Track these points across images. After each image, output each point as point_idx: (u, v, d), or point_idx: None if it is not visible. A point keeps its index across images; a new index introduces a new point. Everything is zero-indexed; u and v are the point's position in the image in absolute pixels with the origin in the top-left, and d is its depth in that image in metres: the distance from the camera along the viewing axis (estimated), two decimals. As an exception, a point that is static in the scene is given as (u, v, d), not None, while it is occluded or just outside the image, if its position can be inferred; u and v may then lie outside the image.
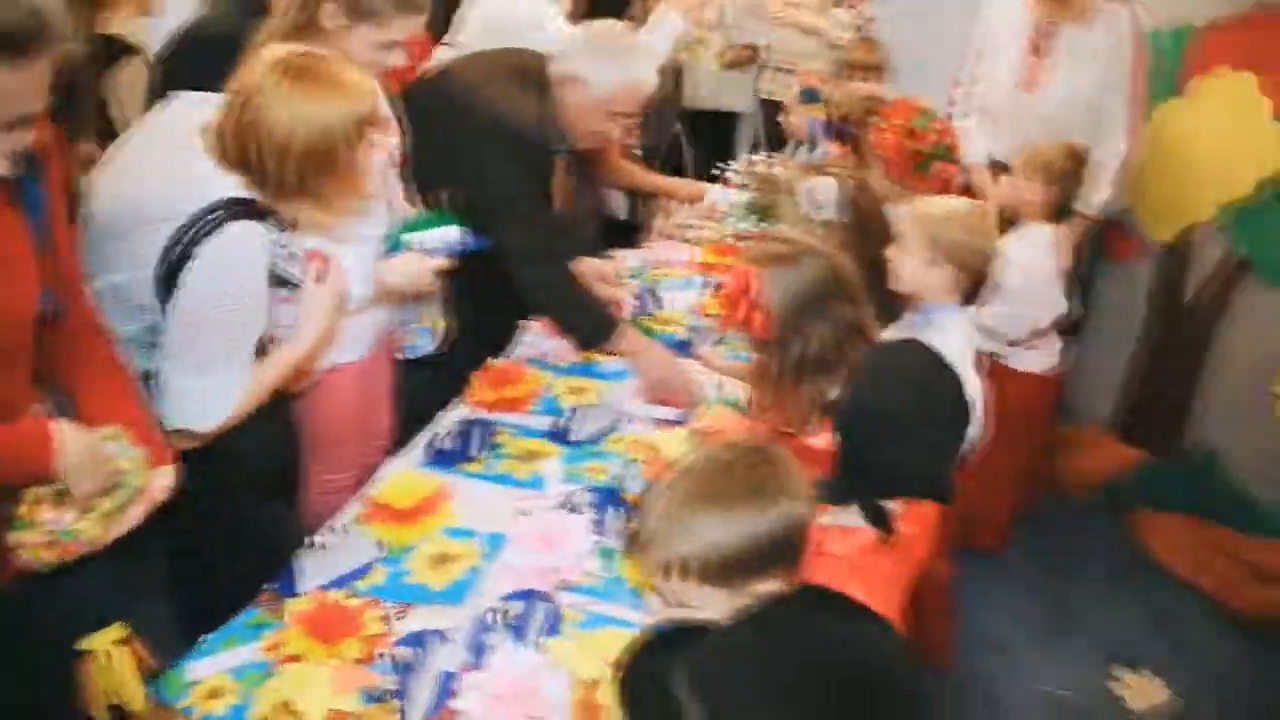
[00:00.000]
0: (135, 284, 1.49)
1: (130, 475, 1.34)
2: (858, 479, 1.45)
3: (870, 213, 2.15)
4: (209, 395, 1.53)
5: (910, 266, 1.93)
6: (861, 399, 1.45)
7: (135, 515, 1.37)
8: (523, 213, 2.28)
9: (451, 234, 2.02)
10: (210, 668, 1.47)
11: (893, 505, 1.50)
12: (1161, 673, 2.51)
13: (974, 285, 1.97)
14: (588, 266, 2.54)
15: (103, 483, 1.31)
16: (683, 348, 2.51)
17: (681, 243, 3.24)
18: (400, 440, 2.18)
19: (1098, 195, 2.62)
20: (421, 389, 2.35)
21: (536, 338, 2.56)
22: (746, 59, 4.08)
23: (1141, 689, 2.48)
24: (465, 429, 2.13)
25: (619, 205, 3.46)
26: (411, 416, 2.26)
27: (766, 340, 1.66)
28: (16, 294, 1.27)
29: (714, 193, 3.11)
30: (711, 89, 4.08)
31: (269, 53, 1.52)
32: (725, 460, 1.15)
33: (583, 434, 2.14)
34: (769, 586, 1.11)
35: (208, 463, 1.58)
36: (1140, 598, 2.81)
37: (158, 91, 2.12)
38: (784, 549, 1.13)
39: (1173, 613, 2.76)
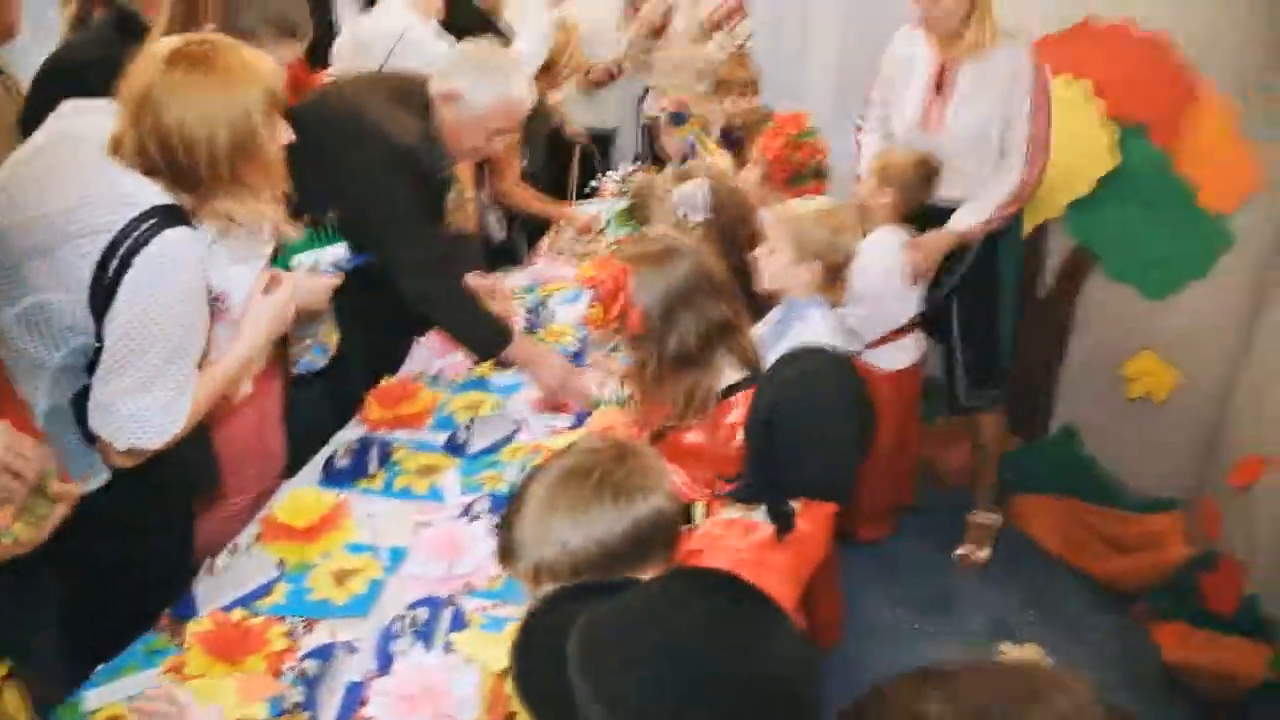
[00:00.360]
0: (62, 304, 1.42)
1: (50, 476, 1.31)
2: (768, 482, 1.49)
3: (740, 216, 2.26)
4: (157, 411, 1.47)
5: (777, 264, 2.05)
6: (777, 409, 1.47)
7: (59, 516, 1.33)
8: (413, 228, 2.30)
9: (339, 252, 2.03)
10: (108, 695, 1.44)
11: (793, 504, 1.56)
12: (1042, 646, 2.65)
13: (835, 281, 2.11)
14: (477, 283, 2.58)
15: (35, 483, 1.28)
16: (577, 358, 2.58)
17: (568, 259, 3.33)
18: (295, 462, 2.17)
19: (968, 219, 2.62)
20: (314, 409, 2.35)
21: (428, 356, 2.58)
22: (606, 79, 4.16)
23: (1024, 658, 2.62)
24: (361, 447, 2.14)
25: (494, 228, 3.52)
26: (304, 437, 2.26)
27: (641, 336, 1.73)
28: None
29: (591, 205, 3.21)
30: (584, 109, 4.13)
31: (158, 49, 1.46)
32: (583, 465, 1.17)
33: (480, 445, 2.18)
34: (639, 574, 1.13)
35: (136, 481, 1.54)
36: (1020, 577, 2.96)
37: (32, 114, 2.10)
38: (649, 545, 1.15)
39: (1051, 589, 2.92)
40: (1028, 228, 2.92)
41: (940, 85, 2.60)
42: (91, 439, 1.49)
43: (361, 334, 2.35)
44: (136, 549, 1.64)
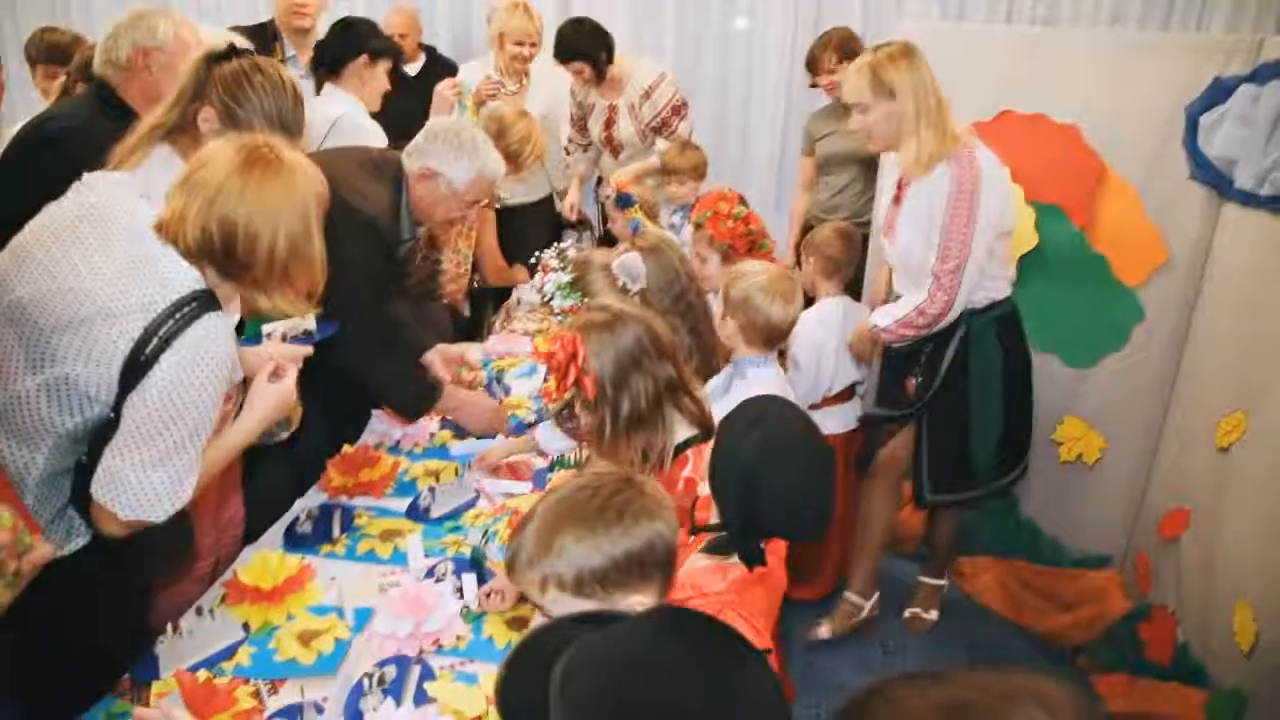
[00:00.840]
0: (88, 377, 1.44)
1: (23, 536, 1.31)
2: (743, 531, 1.52)
3: (687, 276, 2.39)
4: (168, 486, 1.49)
5: (728, 328, 2.22)
6: (754, 471, 1.47)
7: (26, 577, 1.33)
8: (361, 296, 2.36)
9: (308, 322, 2.09)
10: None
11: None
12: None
13: (765, 340, 2.27)
14: (445, 352, 2.67)
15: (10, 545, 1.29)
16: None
17: (521, 336, 3.42)
18: (255, 530, 2.17)
19: (878, 319, 2.66)
20: (274, 478, 2.36)
21: (388, 424, 2.62)
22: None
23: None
24: (323, 513, 2.16)
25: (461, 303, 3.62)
26: (264, 505, 2.27)
27: (595, 401, 1.81)
28: None
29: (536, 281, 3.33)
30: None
31: (225, 147, 1.55)
32: (590, 487, 1.26)
33: (442, 510, 2.21)
34: (638, 600, 1.21)
35: (114, 546, 1.54)
36: (963, 635, 3.04)
37: (6, 174, 2.15)
38: (649, 565, 1.22)
39: (995, 647, 2.99)
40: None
41: (899, 197, 2.64)
42: (84, 504, 1.50)
43: (322, 402, 2.39)
44: (99, 612, 1.62)
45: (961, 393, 2.69)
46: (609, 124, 4.06)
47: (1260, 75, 2.48)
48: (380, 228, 2.40)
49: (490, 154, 2.54)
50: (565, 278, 2.29)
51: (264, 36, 3.32)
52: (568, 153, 4.32)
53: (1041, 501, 3.20)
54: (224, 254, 1.51)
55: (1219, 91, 2.59)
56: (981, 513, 3.26)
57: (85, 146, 1.82)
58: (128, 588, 1.70)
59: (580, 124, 4.19)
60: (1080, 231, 2.90)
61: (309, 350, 2.01)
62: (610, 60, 3.84)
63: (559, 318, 2.27)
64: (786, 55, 4.98)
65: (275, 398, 1.74)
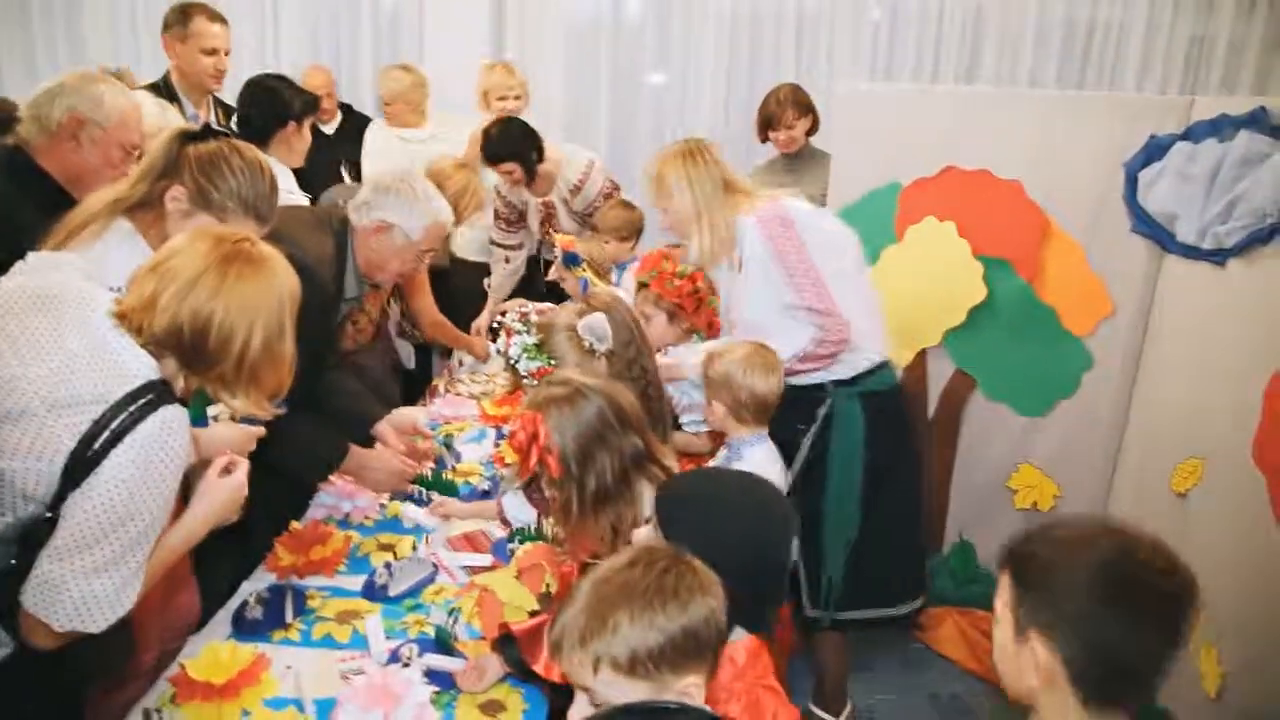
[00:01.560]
0: (26, 472, 1.32)
1: None
2: (754, 598, 1.47)
3: (639, 340, 2.33)
4: (111, 594, 1.37)
5: (716, 414, 2.21)
6: (742, 535, 1.45)
7: None
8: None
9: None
10: None
11: None
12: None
13: (755, 415, 2.21)
14: (397, 420, 2.56)
15: None
16: (486, 496, 2.55)
17: (467, 398, 3.32)
18: (201, 616, 2.02)
19: (783, 352, 2.35)
20: (213, 559, 2.20)
21: (336, 498, 2.48)
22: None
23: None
24: (273, 596, 2.01)
25: (407, 355, 3.50)
26: (205, 589, 2.11)
27: (560, 479, 1.74)
28: None
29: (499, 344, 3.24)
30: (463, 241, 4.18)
31: (202, 238, 1.48)
32: (641, 564, 1.19)
33: (401, 588, 2.09)
34: (691, 681, 1.15)
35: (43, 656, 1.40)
36: (926, 686, 3.04)
37: None
38: (703, 644, 1.17)
39: (958, 697, 2.99)
40: (909, 355, 3.12)
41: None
42: (9, 613, 1.36)
43: (265, 478, 2.25)
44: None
45: (818, 485, 2.46)
46: (548, 219, 4.00)
47: (1194, 134, 2.59)
48: (318, 278, 2.28)
49: (441, 202, 2.54)
50: (531, 340, 2.22)
51: (160, 93, 3.18)
52: (491, 251, 4.15)
53: (998, 549, 3.19)
54: (192, 348, 1.42)
55: (1155, 149, 2.69)
56: (936, 562, 3.25)
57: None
58: (59, 699, 1.54)
59: (511, 221, 4.03)
60: (1028, 284, 2.95)
61: (261, 432, 1.89)
62: (541, 159, 3.76)
63: (526, 381, 2.19)
64: (720, 113, 5.06)
65: (227, 493, 1.64)
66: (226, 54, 3.40)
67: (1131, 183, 2.75)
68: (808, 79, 4.83)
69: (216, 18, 3.39)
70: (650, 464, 1.81)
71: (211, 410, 1.92)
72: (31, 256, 1.55)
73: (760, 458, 2.23)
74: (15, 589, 1.33)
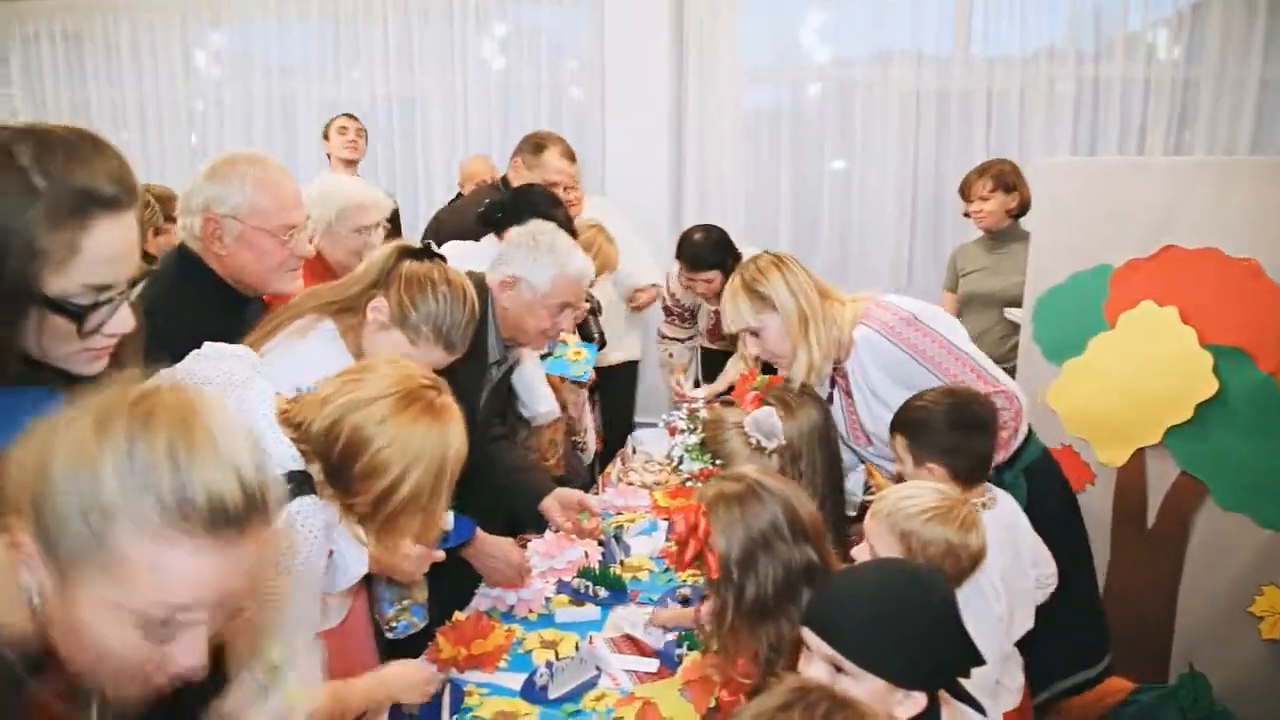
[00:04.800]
0: None
1: None
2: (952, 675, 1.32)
3: (823, 433, 2.18)
4: None
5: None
6: (930, 610, 1.31)
7: None
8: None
9: (445, 523, 2.02)
10: None
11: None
12: None
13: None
14: (567, 492, 2.52)
15: None
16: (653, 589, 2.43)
17: (639, 488, 3.23)
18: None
19: None
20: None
21: (502, 590, 2.43)
22: (649, 301, 4.17)
23: None
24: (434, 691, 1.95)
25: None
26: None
27: (718, 582, 1.59)
28: None
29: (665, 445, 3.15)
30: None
31: (396, 366, 1.49)
32: (792, 708, 1.04)
33: (561, 690, 1.98)
34: None
35: None
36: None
37: None
38: None
39: None
40: (1123, 455, 2.79)
41: (847, 390, 2.34)
42: None
43: (432, 576, 2.22)
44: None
45: None
46: (716, 324, 3.91)
47: None
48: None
49: (572, 254, 2.42)
50: (694, 439, 2.09)
51: None
52: (660, 341, 4.16)
53: (1239, 685, 2.75)
54: (339, 463, 1.41)
55: None
56: (1160, 695, 2.84)
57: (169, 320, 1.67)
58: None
59: (683, 318, 4.04)
60: (1269, 376, 2.58)
61: (439, 556, 1.95)
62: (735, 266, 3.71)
63: (689, 483, 2.07)
64: (906, 196, 4.88)
65: (411, 684, 1.74)
66: (569, 189, 3.52)
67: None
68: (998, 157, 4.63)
69: (568, 154, 3.54)
70: (822, 579, 1.62)
71: None
72: (207, 346, 1.58)
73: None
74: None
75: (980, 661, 1.31)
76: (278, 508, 0.93)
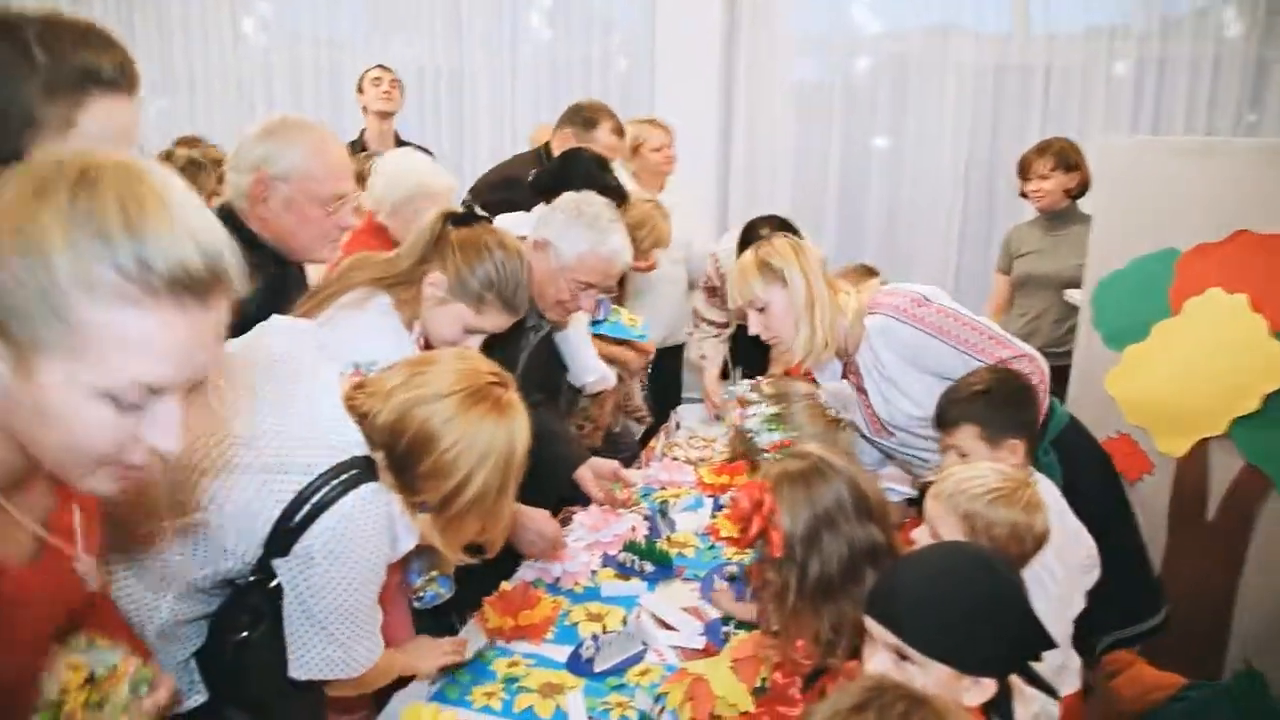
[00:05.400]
0: (228, 529, 1.35)
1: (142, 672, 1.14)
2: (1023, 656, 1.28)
3: None
4: (356, 656, 1.45)
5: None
6: (1000, 586, 1.28)
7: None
8: None
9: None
10: None
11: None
12: None
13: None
14: (600, 465, 2.49)
15: None
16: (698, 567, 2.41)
17: (684, 464, 3.20)
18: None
19: None
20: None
21: (547, 561, 2.42)
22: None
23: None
24: (477, 657, 1.95)
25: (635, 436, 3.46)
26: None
27: (781, 561, 1.56)
28: None
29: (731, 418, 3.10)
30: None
31: (461, 359, 1.49)
32: (867, 709, 1.00)
33: (606, 664, 1.97)
34: None
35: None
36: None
37: None
38: None
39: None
40: (1185, 445, 2.71)
41: (860, 387, 2.29)
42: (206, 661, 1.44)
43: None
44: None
45: None
46: None
47: None
48: None
49: (613, 234, 2.35)
50: (770, 410, 2.05)
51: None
52: (696, 325, 3.97)
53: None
54: (404, 456, 1.39)
55: None
56: (1214, 691, 2.78)
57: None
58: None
59: (725, 299, 3.93)
60: (1344, 368, 2.50)
61: None
62: None
63: (766, 456, 2.03)
64: (959, 173, 4.79)
65: (441, 658, 1.84)
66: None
67: None
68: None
69: (619, 130, 3.47)
70: (887, 559, 1.58)
71: None
72: (275, 319, 1.58)
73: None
74: (223, 645, 1.38)
75: (1051, 644, 1.27)
76: (238, 278, 0.90)
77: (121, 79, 1.19)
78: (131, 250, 0.80)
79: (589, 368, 2.88)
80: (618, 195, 2.87)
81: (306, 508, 1.31)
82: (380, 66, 4.54)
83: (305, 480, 1.31)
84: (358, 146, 4.23)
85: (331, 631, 1.39)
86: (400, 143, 4.24)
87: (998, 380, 2.03)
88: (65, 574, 1.07)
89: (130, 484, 0.92)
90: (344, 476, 1.33)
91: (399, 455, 1.40)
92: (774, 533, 1.55)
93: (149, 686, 1.08)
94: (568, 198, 2.45)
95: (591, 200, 2.45)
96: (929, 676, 1.19)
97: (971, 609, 1.24)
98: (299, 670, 1.41)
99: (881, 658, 1.25)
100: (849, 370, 2.29)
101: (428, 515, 1.44)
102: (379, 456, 1.41)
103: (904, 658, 1.23)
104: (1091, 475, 2.27)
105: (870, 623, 1.27)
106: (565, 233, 2.32)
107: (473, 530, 1.48)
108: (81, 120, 1.15)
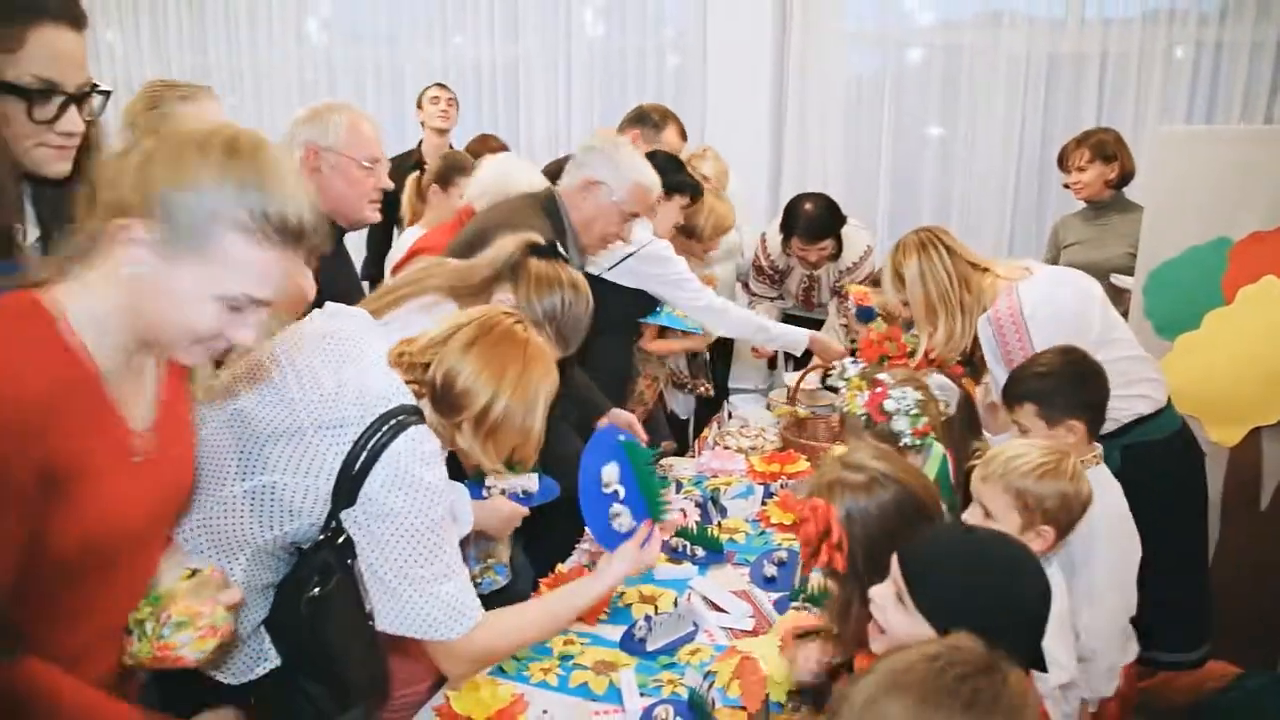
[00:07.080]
0: (295, 488, 1.46)
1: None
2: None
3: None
4: (454, 599, 1.52)
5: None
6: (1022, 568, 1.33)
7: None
8: None
9: (531, 483, 2.14)
10: None
11: None
12: None
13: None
14: (617, 415, 2.71)
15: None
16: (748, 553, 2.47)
17: (735, 452, 3.26)
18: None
19: None
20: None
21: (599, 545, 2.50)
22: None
23: None
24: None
25: (685, 407, 3.52)
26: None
27: (844, 575, 1.56)
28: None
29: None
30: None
31: (477, 310, 1.66)
32: (944, 660, 1.04)
33: (658, 644, 2.05)
34: None
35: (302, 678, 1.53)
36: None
37: None
38: None
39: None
40: (1238, 434, 2.70)
41: None
42: (277, 627, 1.53)
43: (532, 522, 2.30)
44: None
45: None
46: (808, 291, 3.97)
47: None
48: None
49: (645, 166, 2.56)
50: (911, 396, 2.09)
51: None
52: (751, 304, 4.13)
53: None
54: (442, 394, 1.55)
55: None
56: (1266, 683, 2.77)
57: None
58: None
59: (772, 279, 4.04)
60: (1402, 358, 2.48)
61: (525, 512, 2.10)
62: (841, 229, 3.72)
63: (908, 442, 2.08)
64: (1011, 164, 4.76)
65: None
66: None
67: None
68: (1110, 125, 4.47)
69: (683, 133, 3.65)
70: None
71: (489, 481, 2.03)
72: (329, 305, 1.69)
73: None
74: (296, 608, 1.47)
75: (1041, 668, 1.30)
76: (320, 232, 1.22)
77: (64, 14, 1.39)
78: (260, 201, 1.14)
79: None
80: (695, 190, 3.13)
81: (364, 454, 1.43)
82: (439, 85, 4.75)
83: (360, 430, 1.44)
84: (413, 158, 4.46)
85: (410, 575, 1.47)
86: None
87: (1065, 361, 2.07)
88: (177, 441, 1.32)
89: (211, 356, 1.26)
90: (393, 421, 1.45)
91: (438, 394, 1.55)
92: (837, 554, 1.54)
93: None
94: (598, 139, 2.63)
95: (616, 139, 2.67)
96: (915, 628, 1.27)
97: (990, 604, 1.27)
98: (390, 624, 1.50)
99: (885, 590, 1.33)
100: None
101: (470, 432, 1.56)
102: (425, 404, 1.55)
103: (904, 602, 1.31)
104: (1161, 487, 2.24)
105: (895, 566, 1.34)
106: (613, 171, 2.52)
107: (510, 445, 1.61)
108: (29, 39, 1.36)
